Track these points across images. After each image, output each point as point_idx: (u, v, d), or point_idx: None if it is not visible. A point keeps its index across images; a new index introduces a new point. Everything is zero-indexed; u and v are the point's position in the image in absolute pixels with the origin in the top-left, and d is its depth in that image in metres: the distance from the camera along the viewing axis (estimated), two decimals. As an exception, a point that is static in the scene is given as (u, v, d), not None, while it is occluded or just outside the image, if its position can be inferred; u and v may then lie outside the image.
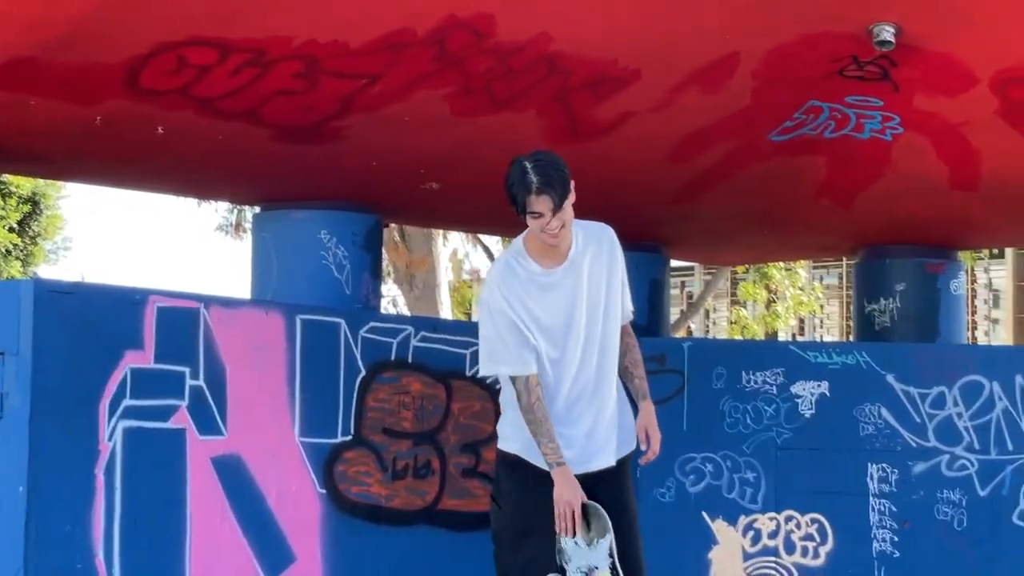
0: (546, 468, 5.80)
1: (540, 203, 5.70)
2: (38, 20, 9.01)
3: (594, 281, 5.96)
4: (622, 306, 6.21)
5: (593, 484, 5.80)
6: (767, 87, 11.79)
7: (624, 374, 6.31)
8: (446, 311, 24.09)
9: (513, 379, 5.98)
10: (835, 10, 11.01)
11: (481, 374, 6.16)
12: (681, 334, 31.23)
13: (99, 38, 9.27)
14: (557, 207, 5.71)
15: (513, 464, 5.98)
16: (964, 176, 12.76)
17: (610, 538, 5.79)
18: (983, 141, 12.24)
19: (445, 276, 25.12)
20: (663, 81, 11.26)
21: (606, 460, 5.88)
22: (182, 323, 9.88)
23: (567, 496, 5.61)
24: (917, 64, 11.63)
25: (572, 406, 5.91)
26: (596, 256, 6.02)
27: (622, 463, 6.04)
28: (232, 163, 11.75)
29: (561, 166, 5.88)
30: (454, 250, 27.09)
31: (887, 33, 11.23)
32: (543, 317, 5.94)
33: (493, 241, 26.49)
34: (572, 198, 5.89)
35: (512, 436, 6.04)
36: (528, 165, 5.82)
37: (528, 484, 5.87)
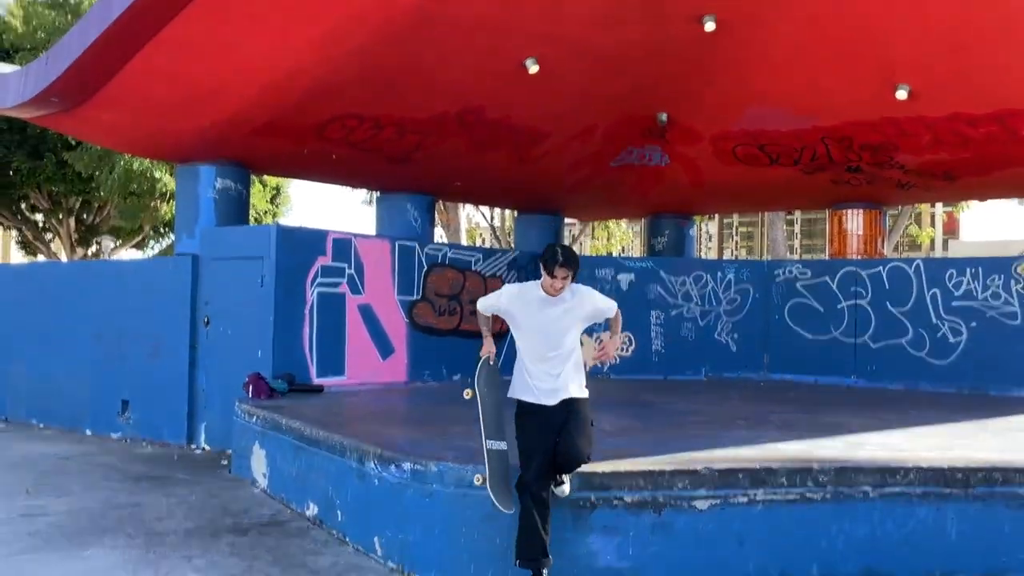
0: (532, 400, 5.00)
1: (559, 271, 4.82)
2: (277, 101, 9.22)
3: (568, 314, 4.96)
4: (600, 305, 5.15)
5: (559, 410, 4.93)
6: (609, 139, 12.03)
7: (609, 326, 5.28)
8: (464, 242, 23.86)
9: (482, 307, 5.27)
10: (640, 107, 11.28)
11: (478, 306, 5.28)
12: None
13: (305, 113, 9.51)
14: (567, 278, 4.88)
15: (517, 408, 5.06)
16: (696, 182, 12.94)
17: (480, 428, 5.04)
18: (705, 166, 12.47)
19: (464, 225, 24.89)
20: (561, 137, 11.50)
21: (557, 399, 4.89)
22: (344, 245, 9.92)
23: (483, 348, 5.16)
24: (676, 131, 11.92)
25: (540, 372, 4.96)
26: (580, 302, 5.02)
27: (574, 404, 4.96)
28: (366, 172, 11.80)
29: (577, 259, 5.01)
30: (467, 214, 26.68)
31: (663, 117, 11.55)
32: (534, 324, 4.99)
33: (485, 209, 25.95)
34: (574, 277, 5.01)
35: (514, 388, 5.13)
36: (560, 250, 4.94)
37: (526, 422, 4.97)
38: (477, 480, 5.01)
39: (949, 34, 9.04)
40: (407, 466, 5.40)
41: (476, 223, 28.13)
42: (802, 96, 10.58)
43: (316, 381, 9.43)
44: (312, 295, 9.56)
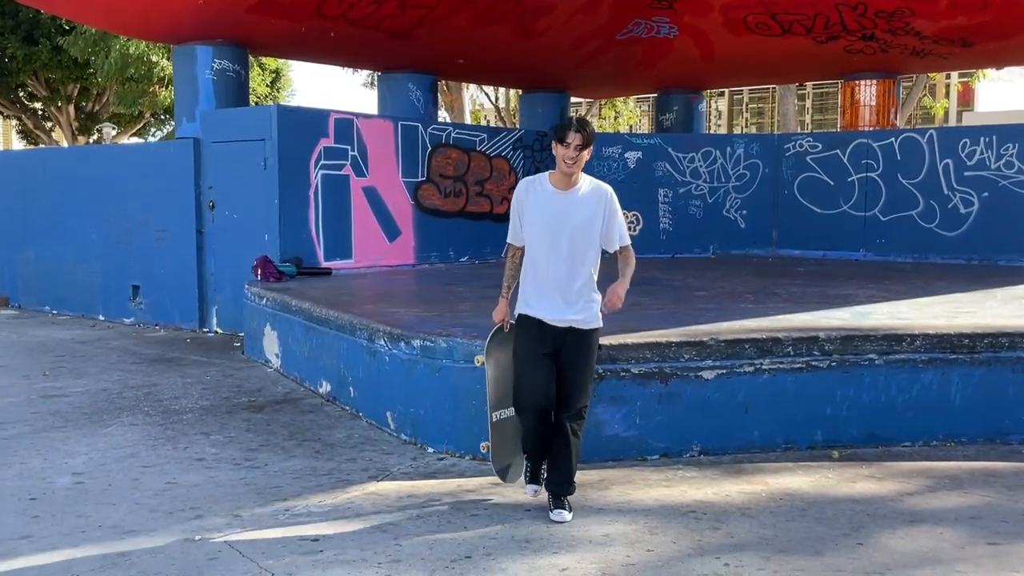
0: (534, 315, 4.25)
1: (573, 137, 4.09)
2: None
3: (584, 211, 4.18)
4: (611, 235, 4.24)
5: (562, 337, 4.24)
6: (616, 11, 11.72)
7: (619, 271, 4.33)
8: (468, 123, 23.51)
9: (509, 244, 4.40)
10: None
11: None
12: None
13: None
14: (581, 146, 4.13)
15: (518, 320, 4.33)
16: (706, 55, 12.62)
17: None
18: (715, 37, 12.18)
19: (468, 107, 24.44)
20: (566, 10, 11.20)
21: (564, 320, 4.16)
22: (346, 125, 9.75)
23: (495, 313, 4.44)
24: (686, 1, 11.58)
25: (548, 281, 4.18)
26: (591, 197, 4.22)
27: (584, 336, 4.23)
28: (366, 51, 11.46)
29: (593, 129, 4.32)
30: (471, 95, 26.15)
31: (672, -14, 11.18)
32: (545, 218, 4.21)
33: (490, 90, 25.42)
34: (589, 154, 4.28)
35: (518, 301, 4.35)
36: (574, 117, 4.31)
37: (525, 335, 4.24)
38: (483, 447, 4.63)
39: None
40: (416, 342, 5.46)
41: (480, 104, 27.59)
42: (817, -41, 10.24)
43: (324, 264, 9.46)
44: (316, 177, 9.48)
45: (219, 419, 6.07)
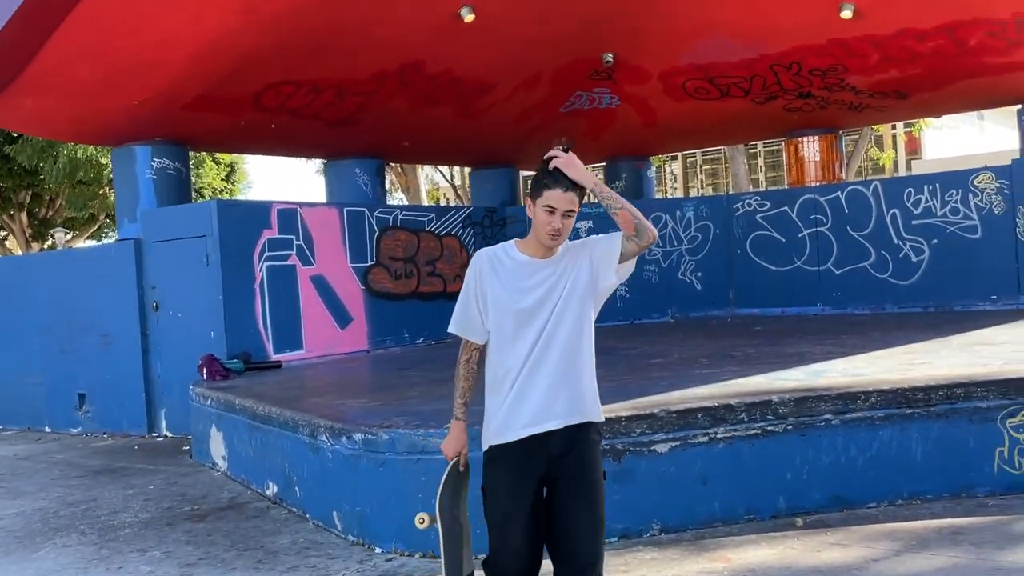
0: (511, 438, 2.94)
1: (560, 200, 2.89)
2: (205, 72, 8.93)
3: (574, 273, 3.00)
4: (600, 243, 3.06)
5: (559, 455, 2.95)
6: (557, 85, 11.85)
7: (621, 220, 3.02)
8: (425, 204, 23.56)
9: (465, 343, 3.10)
10: (585, 49, 11.07)
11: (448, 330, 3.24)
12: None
13: (237, 83, 9.22)
14: (572, 212, 2.93)
15: (488, 458, 3.03)
16: (649, 122, 12.80)
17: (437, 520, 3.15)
18: (656, 104, 12.35)
19: (424, 186, 24.60)
20: (507, 87, 11.30)
21: (558, 422, 2.92)
22: (289, 215, 9.67)
23: (445, 444, 3.11)
24: (624, 70, 11.74)
25: (527, 379, 2.94)
26: (579, 252, 3.02)
27: (585, 438, 2.99)
28: (309, 140, 11.47)
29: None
30: (427, 175, 26.36)
31: (609, 57, 11.36)
32: (524, 298, 2.97)
33: (445, 168, 25.54)
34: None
35: (485, 427, 3.05)
36: (559, 162, 2.96)
37: (498, 476, 2.98)
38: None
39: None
40: (358, 436, 5.25)
41: (436, 183, 27.77)
42: (747, 24, 10.41)
43: (273, 357, 9.25)
44: (261, 270, 9.34)
45: (158, 532, 5.77)
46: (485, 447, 3.05)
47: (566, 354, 2.98)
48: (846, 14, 9.72)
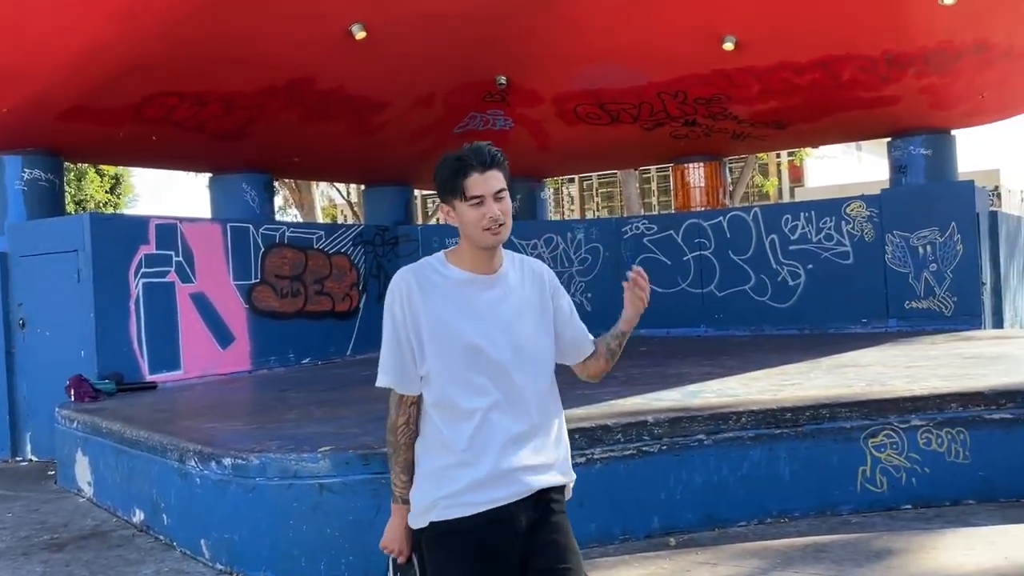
0: (465, 513, 2.27)
1: (488, 181, 2.30)
2: (80, 82, 8.59)
3: (526, 299, 2.44)
4: (572, 329, 2.55)
5: (525, 515, 2.31)
6: (451, 106, 11.81)
7: (602, 356, 2.56)
8: (320, 221, 23.19)
9: (394, 397, 2.42)
10: (478, 71, 11.10)
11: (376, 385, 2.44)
12: (432, 222, 30.41)
13: (116, 93, 8.89)
14: (502, 189, 2.33)
15: (427, 537, 2.33)
16: (542, 144, 12.88)
17: None
18: (549, 128, 12.44)
19: (319, 203, 24.17)
20: (400, 106, 11.20)
21: (523, 486, 2.30)
22: (169, 230, 9.32)
23: (386, 538, 2.38)
24: (517, 93, 11.80)
25: (482, 433, 2.31)
26: (526, 278, 2.46)
27: (556, 503, 2.39)
28: (193, 152, 11.10)
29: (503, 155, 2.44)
30: (323, 191, 25.91)
31: (503, 79, 11.41)
32: (467, 323, 2.34)
33: (342, 185, 25.12)
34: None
35: (420, 494, 2.36)
36: (467, 148, 2.37)
37: (449, 560, 2.31)
38: None
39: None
40: (228, 461, 5.06)
41: (332, 200, 27.39)
42: (636, 52, 10.61)
43: (148, 378, 8.88)
44: (137, 287, 8.96)
45: (12, 563, 5.44)
46: (422, 523, 2.31)
47: (537, 396, 2.37)
48: (728, 46, 10.05)
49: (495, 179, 2.31)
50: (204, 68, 9.00)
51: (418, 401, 2.38)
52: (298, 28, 8.93)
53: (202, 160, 11.97)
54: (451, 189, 2.33)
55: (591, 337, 2.61)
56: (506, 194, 2.33)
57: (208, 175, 12.58)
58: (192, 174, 23.55)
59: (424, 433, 2.39)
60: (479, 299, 2.34)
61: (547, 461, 2.37)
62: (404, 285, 2.34)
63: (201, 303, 9.58)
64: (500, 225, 2.30)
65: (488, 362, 2.32)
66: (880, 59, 10.20)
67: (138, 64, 8.51)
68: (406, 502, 2.40)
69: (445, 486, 2.30)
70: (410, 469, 2.41)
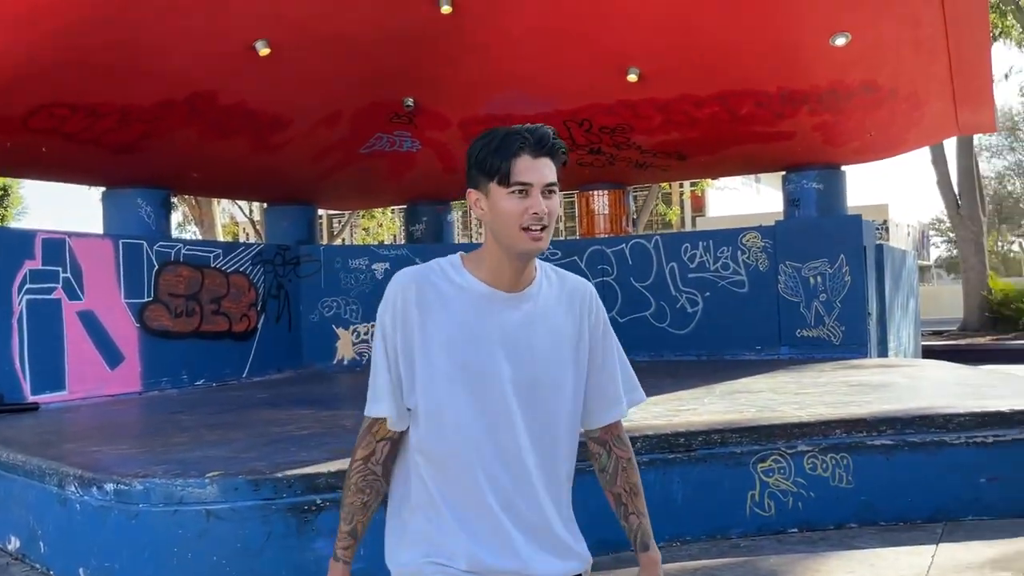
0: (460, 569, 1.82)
1: (541, 168, 1.79)
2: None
3: (556, 328, 1.88)
4: (611, 383, 2.01)
5: None
6: (357, 126, 11.75)
7: (614, 503, 2.17)
8: (221, 239, 22.70)
9: (364, 424, 1.92)
10: (385, 92, 11.08)
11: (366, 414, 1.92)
12: (338, 242, 30.25)
13: (3, 101, 8.55)
14: (553, 184, 1.83)
15: None
16: (449, 167, 12.89)
17: None
18: (455, 150, 12.43)
19: (220, 220, 23.62)
20: (304, 124, 11.09)
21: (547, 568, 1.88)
22: (56, 245, 9.05)
23: None
24: (424, 116, 11.83)
25: (486, 488, 1.82)
26: (562, 300, 1.91)
27: None
28: (86, 166, 10.71)
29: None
30: (224, 208, 25.33)
31: (410, 102, 11.42)
32: (473, 349, 1.82)
33: (244, 202, 24.60)
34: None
35: (398, 551, 1.92)
36: (522, 126, 1.87)
37: None
38: None
39: (676, 20, 9.49)
40: (109, 486, 4.87)
41: (233, 217, 26.83)
42: (543, 79, 10.78)
43: (30, 399, 8.50)
44: (20, 303, 8.61)
45: None
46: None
47: (558, 450, 1.92)
48: (632, 77, 10.31)
49: (549, 169, 1.83)
50: (100, 80, 8.75)
51: (392, 438, 1.89)
52: (201, 41, 8.78)
53: (96, 174, 11.60)
54: (489, 169, 1.82)
55: (623, 400, 2.03)
56: (557, 194, 1.85)
57: (102, 189, 12.18)
58: (87, 188, 22.79)
59: (408, 483, 1.90)
60: (496, 321, 1.83)
61: (560, 546, 1.94)
62: (400, 292, 1.86)
63: (89, 321, 9.26)
64: (543, 228, 1.81)
65: (504, 398, 1.83)
66: (776, 95, 10.61)
67: (28, 74, 8.23)
68: (342, 563, 1.96)
69: (436, 555, 1.85)
70: (354, 519, 1.93)
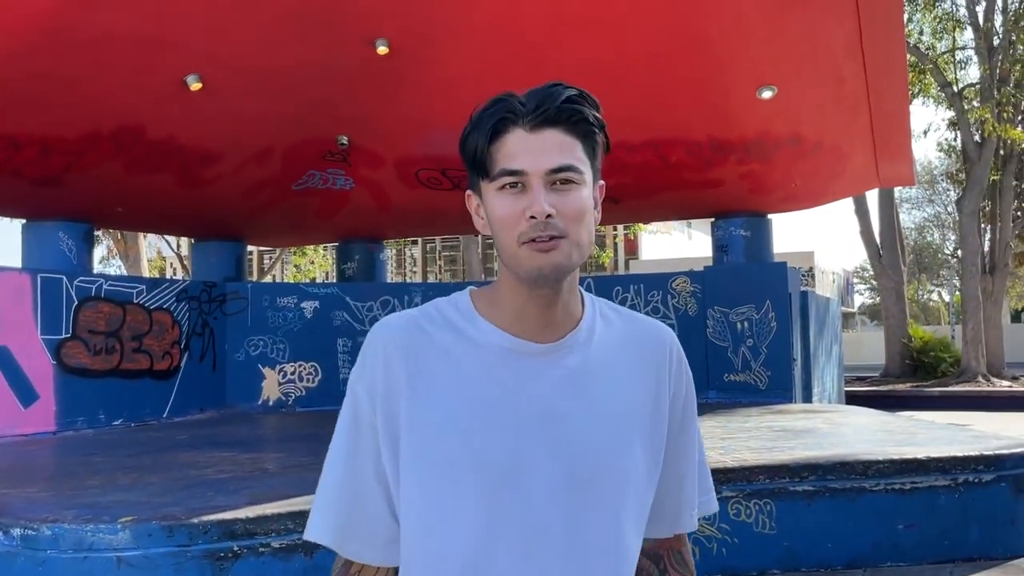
0: None
1: (541, 143, 1.15)
2: None
3: (623, 400, 1.20)
4: (683, 494, 1.30)
5: None
6: (289, 162, 11.67)
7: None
8: (146, 274, 22.26)
9: (337, 564, 1.26)
10: (318, 129, 11.05)
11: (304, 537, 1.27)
12: (268, 279, 29.85)
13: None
14: (573, 167, 1.17)
15: None
16: (383, 206, 12.88)
17: None
18: (391, 190, 12.46)
19: (146, 255, 23.10)
20: (235, 159, 10.97)
21: None
22: (-29, 279, 8.83)
23: None
24: (359, 154, 11.81)
25: None
26: (643, 363, 1.24)
27: None
28: (6, 197, 10.42)
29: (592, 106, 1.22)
30: (151, 243, 24.79)
31: (344, 139, 11.40)
32: (485, 443, 1.15)
33: (172, 237, 24.09)
34: (600, 193, 1.27)
35: None
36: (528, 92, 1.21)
37: None
38: None
39: (608, 68, 9.68)
40: (16, 531, 4.69)
41: (160, 252, 26.30)
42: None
43: (-64, 438, 8.15)
44: (-71, 338, 8.26)
45: None
46: None
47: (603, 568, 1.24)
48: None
49: (558, 146, 1.19)
50: (21, 110, 8.57)
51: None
52: (131, 75, 8.66)
53: (17, 205, 11.29)
54: (472, 156, 1.25)
55: (696, 505, 1.37)
56: (582, 178, 1.21)
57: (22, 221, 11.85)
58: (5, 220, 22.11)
59: None
60: (527, 388, 1.22)
61: None
62: (382, 349, 1.25)
63: (2, 358, 8.94)
64: (554, 237, 1.16)
65: (528, 521, 1.19)
66: (706, 144, 10.89)
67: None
68: None
69: None
70: None
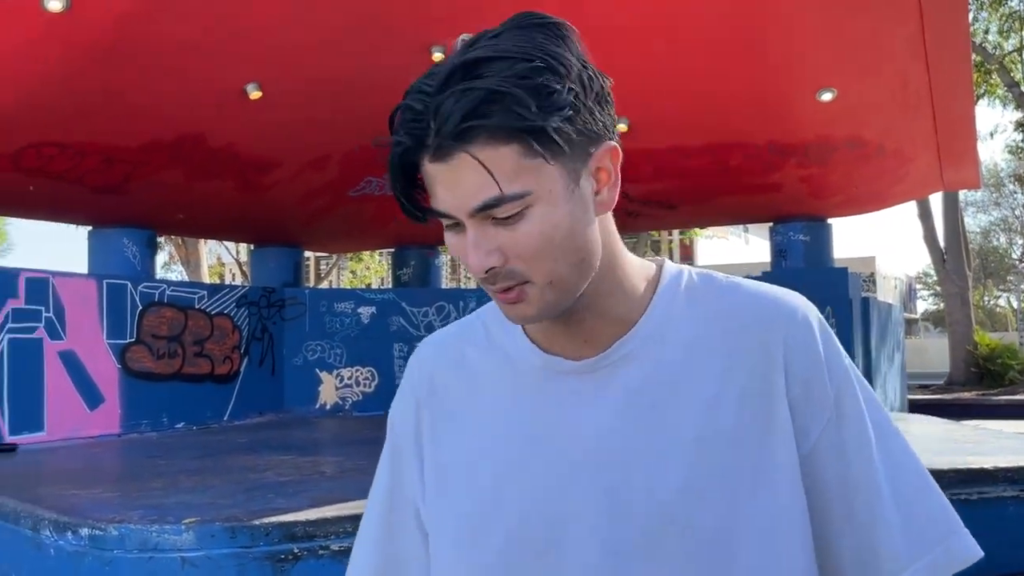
0: None
1: (449, 180, 0.83)
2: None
3: (707, 424, 0.83)
4: (868, 544, 0.89)
5: None
6: (346, 169, 11.81)
7: None
8: (206, 280, 22.73)
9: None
10: (376, 135, 11.12)
11: None
12: (324, 284, 30.23)
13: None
14: (528, 168, 0.80)
15: None
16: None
17: None
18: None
19: (206, 261, 23.57)
20: (293, 166, 11.16)
21: None
22: (40, 285, 9.03)
23: None
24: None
25: None
26: (729, 356, 0.87)
27: None
28: (73, 205, 10.77)
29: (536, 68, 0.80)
30: (211, 249, 25.26)
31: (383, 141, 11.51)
32: (514, 493, 0.86)
33: (231, 243, 24.52)
34: (613, 177, 0.93)
35: None
36: (401, 105, 0.87)
37: None
38: None
39: (666, 73, 9.65)
40: (84, 531, 4.83)
41: (220, 258, 26.84)
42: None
43: (8, 439, 8.42)
44: (2, 343, 8.56)
45: None
46: None
47: None
48: (621, 127, 10.40)
49: (469, 174, 0.86)
50: (88, 120, 8.81)
51: None
52: (191, 85, 8.85)
53: (82, 213, 11.64)
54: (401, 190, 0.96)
55: (903, 559, 1.00)
56: (531, 199, 0.86)
57: (88, 228, 12.22)
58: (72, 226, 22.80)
59: None
60: (567, 418, 0.94)
61: None
62: (418, 373, 1.08)
63: (70, 362, 9.20)
64: (511, 288, 0.90)
65: (563, 567, 0.90)
66: (764, 148, 10.77)
67: (17, 114, 8.28)
68: None
69: None
70: None
